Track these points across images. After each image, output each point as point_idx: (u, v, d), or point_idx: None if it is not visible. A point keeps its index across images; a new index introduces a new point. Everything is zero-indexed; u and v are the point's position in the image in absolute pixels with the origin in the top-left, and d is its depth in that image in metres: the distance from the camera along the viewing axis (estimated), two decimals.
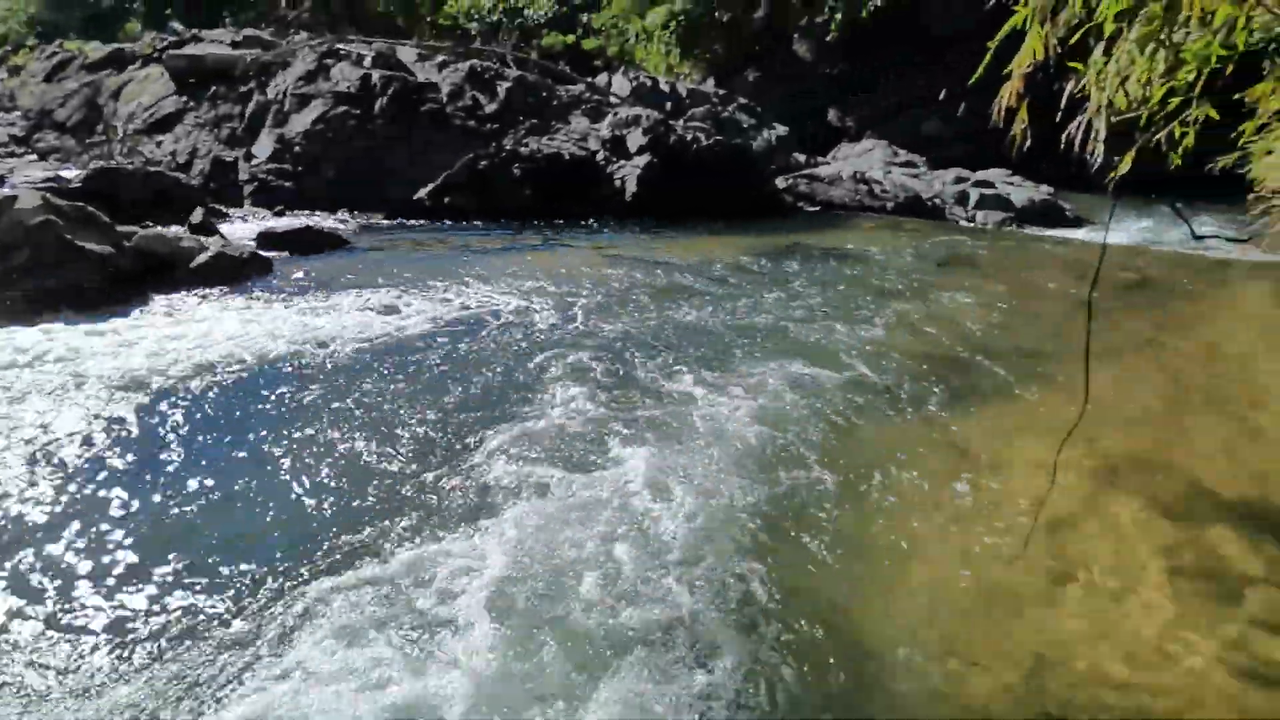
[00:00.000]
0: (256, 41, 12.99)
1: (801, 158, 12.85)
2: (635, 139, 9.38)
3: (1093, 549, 2.30)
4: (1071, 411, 2.69)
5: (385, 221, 8.38)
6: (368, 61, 10.74)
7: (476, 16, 32.16)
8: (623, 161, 9.33)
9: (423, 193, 8.75)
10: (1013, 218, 9.52)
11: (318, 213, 8.72)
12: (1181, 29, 4.78)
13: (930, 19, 15.12)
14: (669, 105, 12.93)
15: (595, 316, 4.72)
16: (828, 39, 16.61)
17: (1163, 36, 4.63)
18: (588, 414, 3.21)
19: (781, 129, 13.39)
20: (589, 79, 15.80)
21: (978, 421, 3.22)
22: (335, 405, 3.35)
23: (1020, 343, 4.18)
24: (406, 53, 12.52)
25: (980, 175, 11.09)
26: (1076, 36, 4.94)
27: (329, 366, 3.80)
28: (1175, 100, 4.68)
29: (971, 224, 9.54)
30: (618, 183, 9.08)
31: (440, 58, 12.29)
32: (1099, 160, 4.91)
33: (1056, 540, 2.33)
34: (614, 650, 1.96)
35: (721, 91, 15.43)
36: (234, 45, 12.59)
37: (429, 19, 31.76)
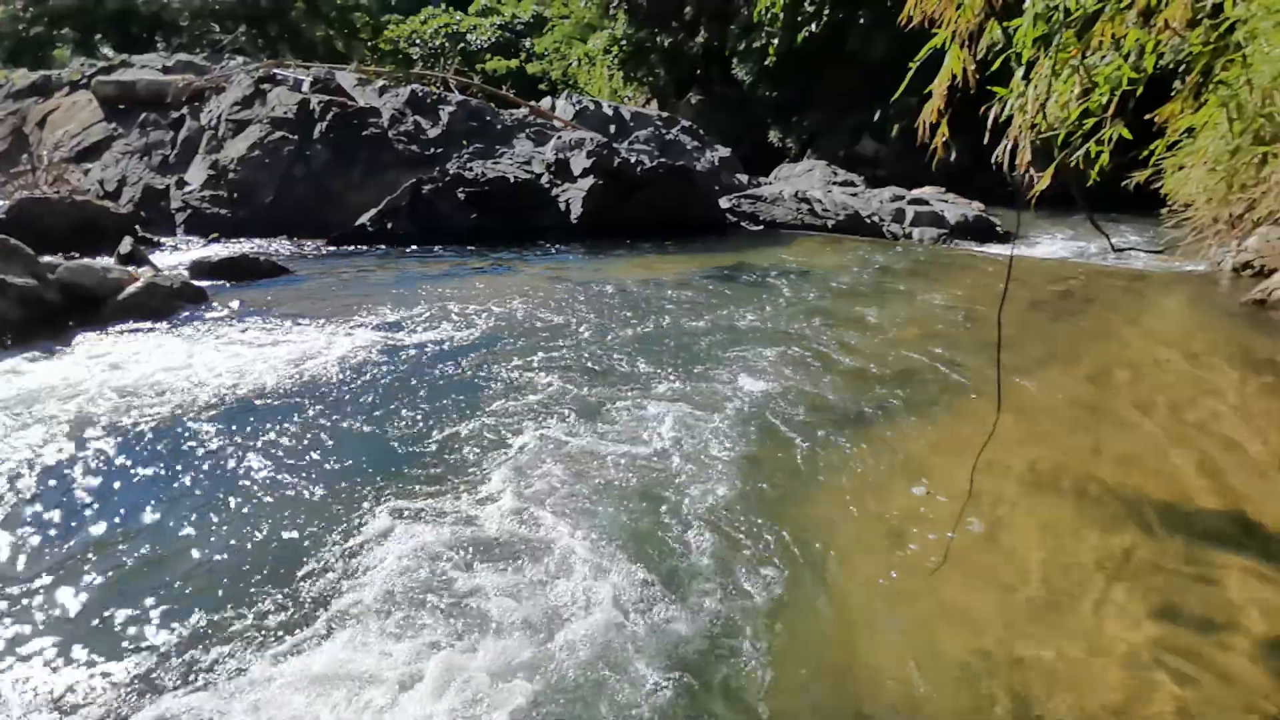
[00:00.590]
0: (189, 67, 12.70)
1: (744, 178, 13.09)
2: (579, 162, 9.43)
3: (1009, 556, 2.37)
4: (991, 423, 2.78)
5: (326, 248, 8.23)
6: (306, 87, 10.59)
7: (418, 42, 32.09)
8: (567, 184, 9.37)
9: (365, 218, 8.62)
10: (947, 234, 9.85)
11: (255, 240, 8.51)
12: (1095, 54, 5.05)
13: (858, 45, 15.64)
14: (613, 128, 13.07)
15: (538, 339, 4.70)
16: (766, 63, 17.02)
17: (1077, 62, 4.88)
18: (527, 446, 3.18)
19: (724, 150, 13.64)
20: (532, 103, 15.88)
21: (904, 434, 3.31)
22: (264, 442, 3.24)
23: (949, 355, 4.31)
24: (346, 78, 12.41)
25: (916, 193, 11.47)
26: (998, 63, 5.17)
27: (260, 401, 3.69)
28: (1090, 121, 4.94)
29: (909, 240, 9.83)
30: (563, 205, 9.11)
31: (380, 82, 12.20)
32: (1025, 178, 5.13)
33: (975, 548, 2.39)
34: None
35: (665, 114, 15.64)
36: (166, 71, 12.28)
37: (369, 44, 31.54)
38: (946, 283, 6.38)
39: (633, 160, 9.50)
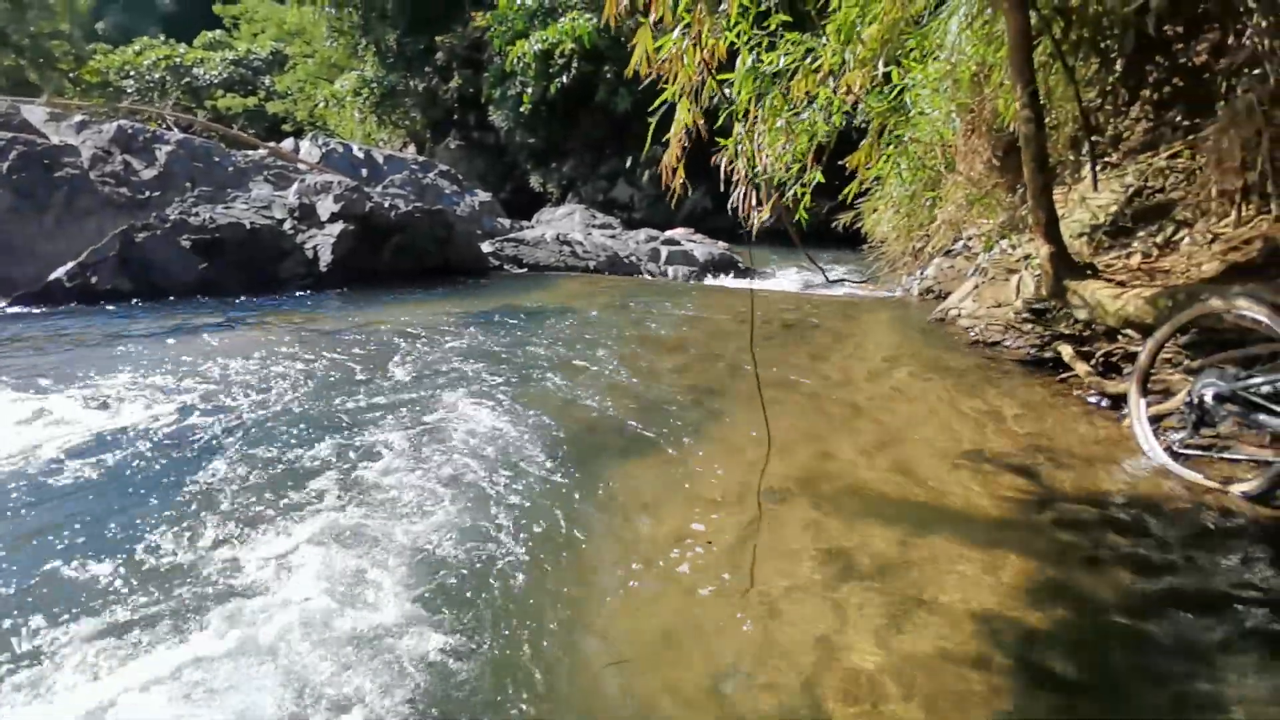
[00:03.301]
0: None
1: (506, 222, 13.18)
2: (327, 206, 8.90)
3: (787, 568, 2.56)
4: (749, 442, 3.03)
5: (11, 309, 6.92)
6: None
7: (132, 74, 28.58)
8: (314, 230, 8.78)
9: (60, 272, 7.38)
10: (698, 271, 10.66)
11: None
12: (800, 110, 5.80)
13: (605, 97, 16.58)
14: (365, 172, 12.54)
15: (281, 397, 4.31)
16: (522, 110, 17.39)
17: (783, 118, 5.56)
18: (246, 536, 2.87)
19: (484, 195, 13.65)
20: (271, 144, 14.77)
21: (672, 466, 3.47)
22: None
23: (707, 383, 4.61)
24: (35, 112, 10.70)
25: (668, 234, 12.30)
26: (722, 118, 5.72)
27: None
28: (796, 167, 5.64)
29: (664, 278, 10.48)
30: (309, 252, 8.51)
31: (78, 117, 10.64)
32: (756, 218, 5.69)
33: (744, 562, 2.56)
34: None
35: (421, 158, 15.34)
36: None
37: (70, 74, 27.44)
38: (698, 314, 6.87)
39: (386, 204, 9.16)
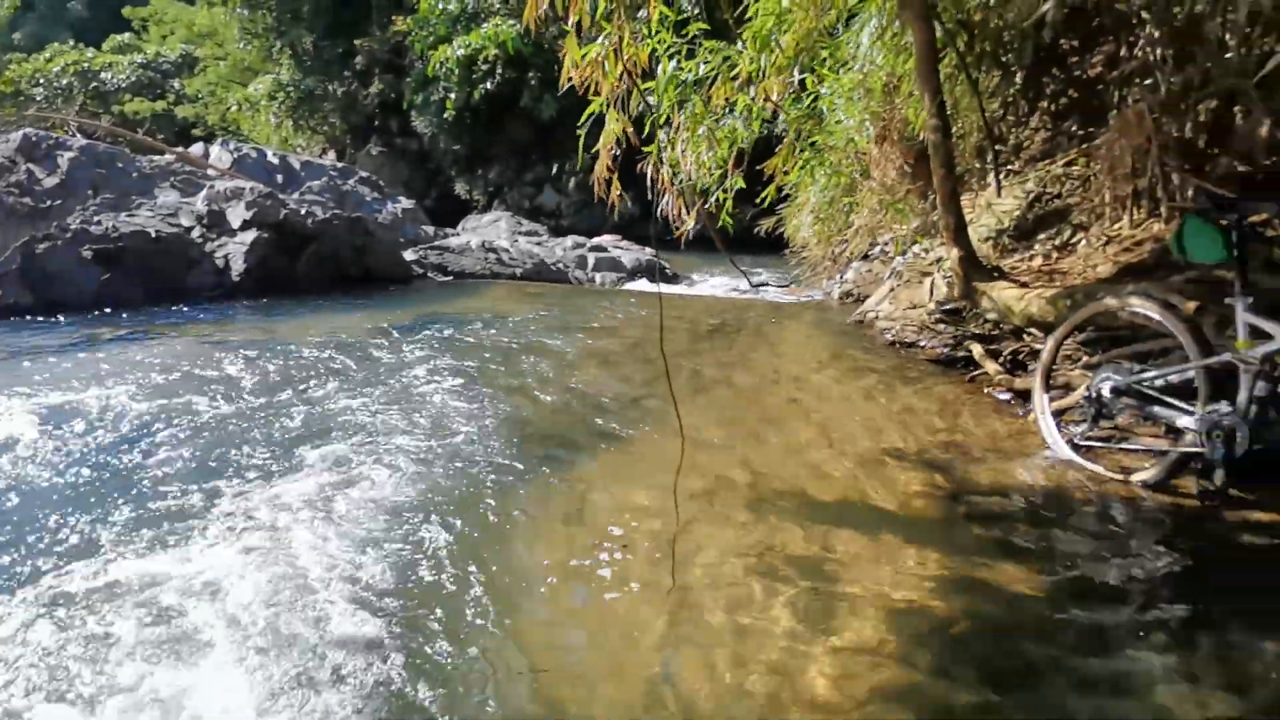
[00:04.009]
0: None
1: (431, 230, 12.91)
2: (238, 213, 8.52)
3: (710, 568, 2.56)
4: (675, 445, 3.03)
5: None
6: None
7: (41, 81, 26.86)
8: (225, 239, 8.39)
9: None
10: (625, 276, 10.68)
11: None
12: (720, 117, 5.87)
13: (530, 104, 16.49)
14: (280, 178, 12.08)
15: (182, 415, 4.09)
16: (445, 116, 17.11)
17: (704, 125, 5.61)
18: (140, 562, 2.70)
19: (407, 202, 13.34)
20: (180, 148, 14.11)
21: (597, 470, 3.44)
22: None
23: (632, 389, 4.60)
24: None
25: (595, 241, 12.28)
26: (648, 126, 5.74)
27: None
28: (718, 173, 5.70)
29: (592, 284, 10.46)
30: (220, 262, 8.13)
31: None
32: (683, 225, 5.72)
33: (681, 568, 2.54)
34: None
35: (340, 164, 14.89)
36: None
37: None
38: (625, 320, 6.86)
39: (303, 211, 8.83)
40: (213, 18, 28.08)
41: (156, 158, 11.83)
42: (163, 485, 3.22)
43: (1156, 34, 4.22)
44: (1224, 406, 2.67)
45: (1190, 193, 3.85)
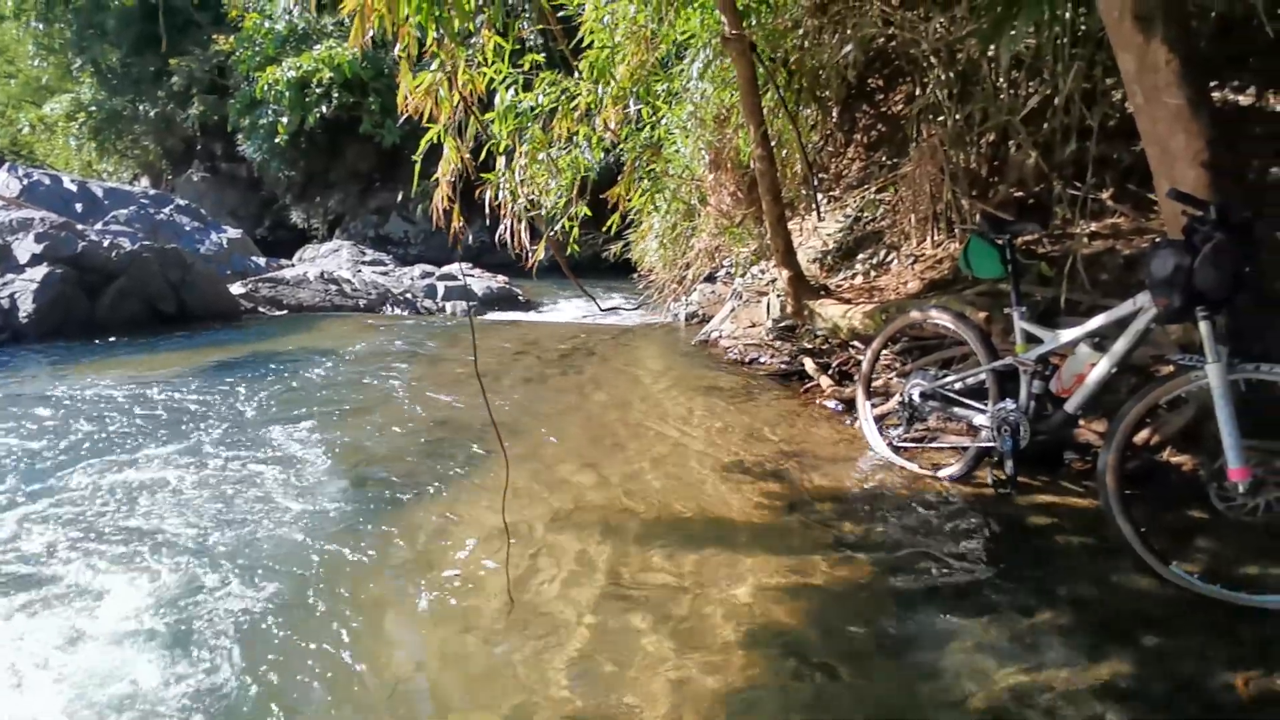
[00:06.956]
0: None
1: (263, 261, 12.09)
2: (27, 246, 7.58)
3: (556, 594, 2.53)
4: (522, 475, 2.99)
5: None
6: None
7: None
8: (11, 275, 7.43)
9: None
10: (478, 305, 10.48)
11: None
12: (562, 145, 5.94)
13: (371, 129, 15.95)
14: (79, 207, 10.88)
15: None
16: (277, 141, 16.14)
17: (544, 153, 5.66)
18: None
19: (234, 232, 12.42)
20: None
21: (432, 504, 3.34)
22: None
23: (481, 419, 4.50)
24: None
25: (444, 269, 11.99)
26: (484, 153, 5.69)
27: None
28: (562, 201, 5.77)
29: (443, 314, 10.19)
30: (4, 302, 7.18)
31: None
32: (529, 251, 5.69)
33: (506, 592, 2.50)
34: None
35: (154, 191, 13.65)
36: None
37: None
38: (475, 348, 6.73)
39: (105, 244, 7.99)
40: (2, 32, 25.05)
41: None
42: None
43: (943, 76, 4.74)
44: (1009, 404, 3.02)
45: (977, 216, 4.33)
